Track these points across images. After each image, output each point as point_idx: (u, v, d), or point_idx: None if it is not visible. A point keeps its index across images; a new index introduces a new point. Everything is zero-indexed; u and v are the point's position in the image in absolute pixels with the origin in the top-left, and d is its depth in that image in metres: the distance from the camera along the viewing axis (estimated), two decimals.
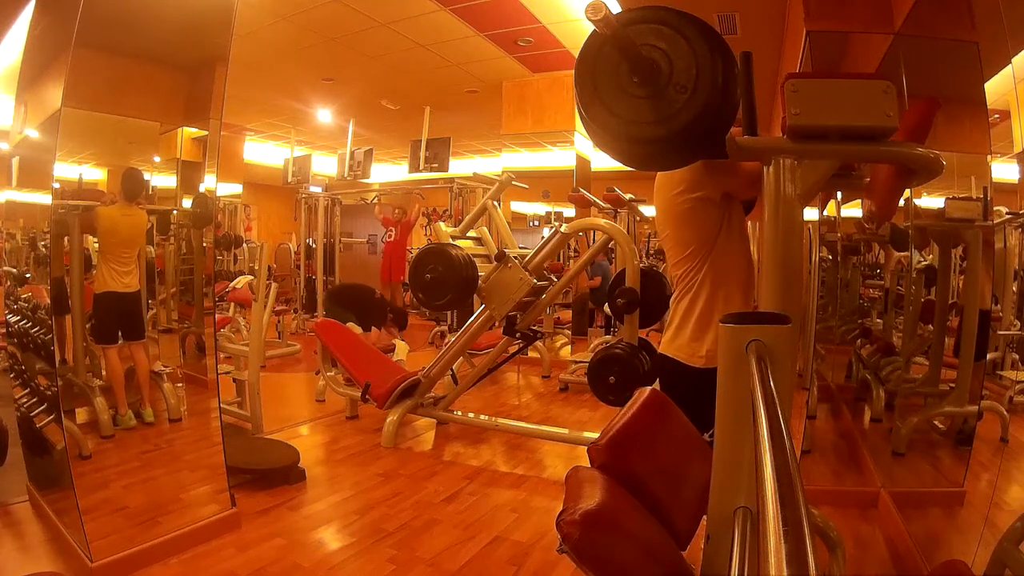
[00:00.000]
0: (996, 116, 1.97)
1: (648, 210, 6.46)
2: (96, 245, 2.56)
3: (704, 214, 1.49)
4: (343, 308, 5.38)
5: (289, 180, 7.62)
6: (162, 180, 2.57)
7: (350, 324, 4.64)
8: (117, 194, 2.50)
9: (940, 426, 2.41)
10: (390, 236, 7.60)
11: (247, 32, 4.78)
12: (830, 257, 3.85)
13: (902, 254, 2.71)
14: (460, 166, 8.27)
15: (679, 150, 1.00)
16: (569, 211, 7.68)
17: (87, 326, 2.50)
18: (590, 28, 0.97)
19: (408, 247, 8.05)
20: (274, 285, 4.78)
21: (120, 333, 2.58)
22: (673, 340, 1.62)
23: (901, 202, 2.17)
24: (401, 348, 4.65)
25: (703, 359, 1.55)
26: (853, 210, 3.31)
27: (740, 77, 1.17)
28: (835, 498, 2.53)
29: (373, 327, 5.46)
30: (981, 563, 1.54)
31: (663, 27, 0.96)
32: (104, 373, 2.50)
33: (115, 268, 2.50)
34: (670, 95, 0.94)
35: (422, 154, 6.41)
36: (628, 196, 5.35)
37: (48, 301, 2.46)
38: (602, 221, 3.84)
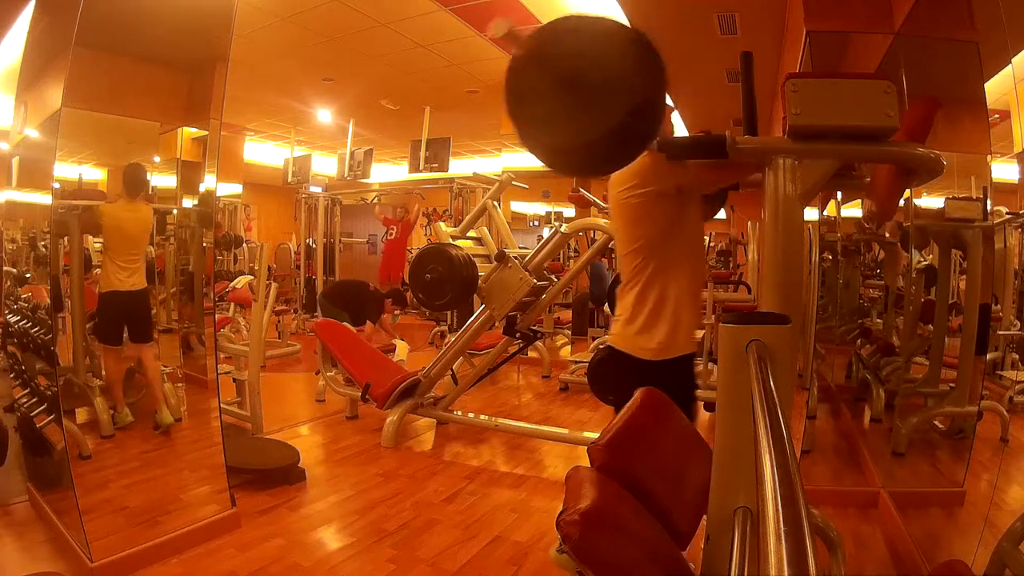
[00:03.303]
0: (996, 116, 1.97)
1: None
2: (97, 245, 2.55)
3: (656, 209, 1.49)
4: (337, 307, 5.36)
5: (289, 180, 7.62)
6: (162, 180, 2.57)
7: (345, 324, 4.64)
8: (119, 191, 2.49)
9: (940, 426, 2.41)
10: (391, 234, 7.60)
11: (247, 32, 4.78)
12: (830, 257, 3.85)
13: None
14: (460, 166, 8.26)
15: (613, 153, 0.99)
16: (569, 211, 7.68)
17: (88, 325, 2.50)
18: None
19: (408, 247, 8.06)
20: (274, 285, 4.79)
21: (126, 334, 2.56)
22: (622, 332, 1.62)
23: (901, 202, 2.17)
24: (401, 348, 4.64)
25: (652, 352, 1.55)
26: (853, 210, 3.31)
27: (741, 77, 1.17)
28: (835, 498, 2.52)
29: (368, 322, 5.44)
30: (981, 563, 1.54)
31: (579, 34, 0.96)
32: (104, 373, 2.49)
33: (120, 266, 2.48)
34: (594, 100, 0.93)
35: (422, 154, 6.41)
36: None
37: (48, 301, 2.46)
38: (602, 221, 3.83)
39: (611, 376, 1.67)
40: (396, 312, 6.03)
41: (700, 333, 4.98)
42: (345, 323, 4.47)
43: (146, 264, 2.56)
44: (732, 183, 1.95)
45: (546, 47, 0.95)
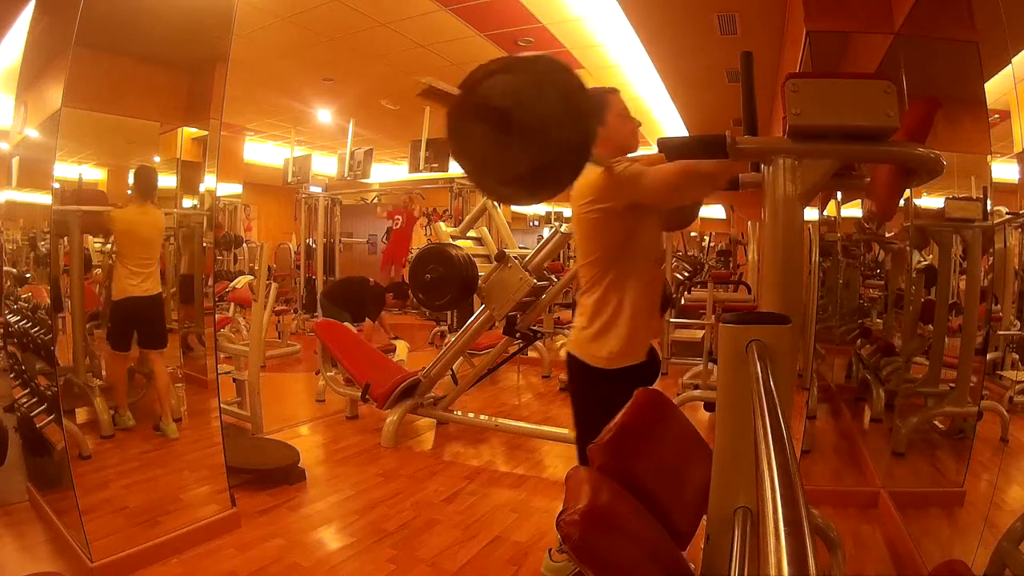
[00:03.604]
0: (996, 116, 1.97)
1: None
2: (96, 245, 2.54)
3: (611, 224, 1.53)
4: (337, 307, 5.35)
5: (289, 180, 7.62)
6: (162, 180, 2.56)
7: (345, 324, 4.63)
8: (131, 194, 2.47)
9: (940, 426, 2.41)
10: (396, 224, 7.62)
11: (247, 32, 4.78)
12: (830, 257, 3.85)
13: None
14: (460, 167, 8.24)
15: (550, 181, 1.06)
16: (569, 211, 7.68)
17: (89, 326, 2.50)
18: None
19: (410, 247, 8.06)
20: (274, 285, 4.78)
21: (136, 339, 2.54)
22: (576, 338, 1.66)
23: (901, 202, 2.17)
24: (401, 348, 4.64)
25: (603, 360, 1.58)
26: (853, 210, 3.31)
27: (741, 77, 1.17)
28: (835, 498, 2.52)
29: (367, 319, 5.42)
30: (981, 563, 1.54)
31: (505, 75, 1.03)
32: (104, 373, 2.48)
33: (133, 271, 2.46)
34: (526, 133, 1.00)
35: (422, 154, 6.41)
36: None
37: (48, 301, 2.45)
38: None
39: (568, 379, 1.71)
40: (394, 310, 5.99)
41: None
42: (346, 323, 4.47)
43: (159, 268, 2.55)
44: (686, 203, 1.98)
45: (477, 94, 1.03)
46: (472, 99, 1.02)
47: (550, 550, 1.97)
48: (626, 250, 1.56)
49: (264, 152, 9.52)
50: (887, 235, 3.03)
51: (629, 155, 1.67)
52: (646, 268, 1.61)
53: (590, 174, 1.53)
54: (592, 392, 1.64)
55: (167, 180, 2.59)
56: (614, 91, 1.67)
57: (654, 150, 1.38)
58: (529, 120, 1.00)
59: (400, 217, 7.62)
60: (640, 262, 1.59)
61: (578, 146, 1.03)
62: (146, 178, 2.49)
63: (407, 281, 3.82)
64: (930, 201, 2.35)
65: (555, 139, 0.99)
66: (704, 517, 1.05)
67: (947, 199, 2.16)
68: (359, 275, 6.08)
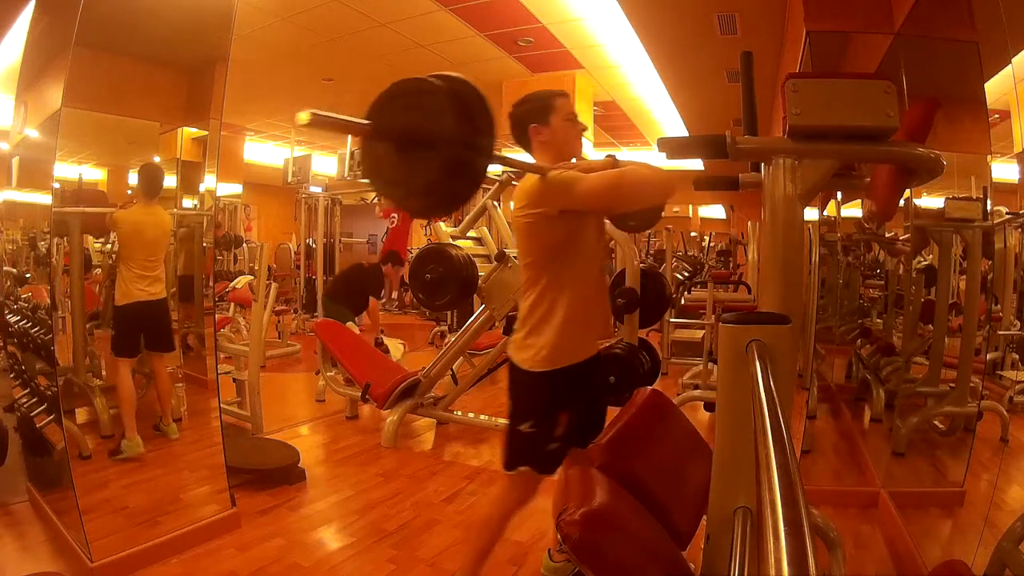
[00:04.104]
0: (996, 116, 1.97)
1: None
2: (96, 245, 2.53)
3: (544, 229, 1.53)
4: (339, 303, 5.30)
5: (289, 180, 7.62)
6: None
7: (349, 324, 4.62)
8: (134, 194, 2.41)
9: (940, 426, 2.41)
10: (393, 222, 7.61)
11: (247, 32, 4.78)
12: (830, 257, 3.85)
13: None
14: None
15: (449, 189, 1.12)
16: None
17: (89, 325, 2.49)
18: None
19: (408, 247, 8.05)
20: (274, 285, 4.78)
21: (143, 344, 2.48)
22: (512, 340, 1.67)
23: (901, 202, 2.17)
24: (394, 348, 4.59)
25: (529, 362, 1.58)
26: (853, 210, 3.31)
27: (741, 77, 1.17)
28: (835, 498, 2.52)
29: (371, 298, 5.36)
30: (981, 563, 1.54)
31: (403, 97, 1.10)
32: (108, 379, 2.42)
33: (139, 274, 2.39)
34: (421, 148, 1.07)
35: None
36: None
37: (48, 301, 2.45)
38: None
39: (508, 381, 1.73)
40: (394, 296, 5.86)
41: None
42: (350, 323, 4.46)
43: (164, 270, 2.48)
44: (632, 209, 1.99)
45: (382, 117, 1.09)
46: (376, 121, 1.09)
47: (549, 550, 1.97)
48: (561, 255, 1.56)
49: (264, 152, 9.52)
50: (887, 235, 3.03)
51: (573, 160, 1.68)
52: (585, 273, 1.60)
53: (527, 179, 1.55)
54: (518, 393, 1.65)
55: (167, 180, 2.58)
56: (562, 95, 1.67)
57: (654, 150, 1.40)
58: (422, 137, 1.07)
59: (396, 215, 7.60)
60: (578, 267, 1.58)
61: (470, 157, 1.09)
62: (152, 177, 2.43)
63: (407, 281, 3.82)
64: (930, 201, 2.35)
65: (447, 153, 1.05)
66: (704, 517, 1.05)
67: (947, 199, 2.16)
68: (352, 264, 6.00)
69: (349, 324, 4.58)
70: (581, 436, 1.67)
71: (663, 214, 2.55)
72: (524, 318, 1.62)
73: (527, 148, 1.68)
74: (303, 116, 0.92)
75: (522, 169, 1.57)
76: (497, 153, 1.19)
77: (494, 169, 6.57)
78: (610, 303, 1.79)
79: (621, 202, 1.61)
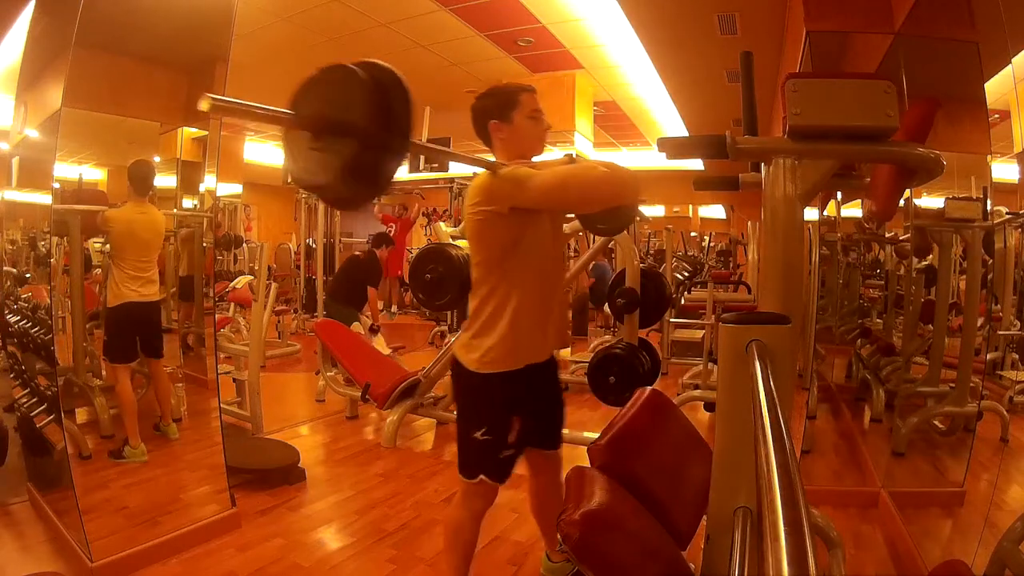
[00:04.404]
0: (996, 116, 1.97)
1: (648, 210, 6.47)
2: (96, 245, 2.52)
3: (493, 227, 1.49)
4: (340, 303, 5.26)
5: (289, 180, 7.60)
6: (162, 180, 2.56)
7: (355, 325, 4.60)
8: (126, 193, 2.35)
9: (940, 426, 2.41)
10: (390, 231, 7.60)
11: (247, 32, 4.78)
12: (830, 257, 3.85)
13: None
14: (460, 166, 8.26)
15: (361, 177, 1.05)
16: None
17: (88, 328, 2.49)
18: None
19: (408, 247, 8.05)
20: (274, 285, 4.78)
21: (138, 349, 2.43)
22: (459, 339, 1.64)
23: (901, 202, 2.17)
24: (380, 346, 4.51)
25: (474, 363, 1.55)
26: (853, 210, 3.32)
27: (741, 77, 1.17)
28: (835, 498, 2.52)
29: (370, 287, 5.31)
30: (981, 563, 1.54)
31: (320, 85, 1.04)
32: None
33: (131, 275, 2.34)
34: (331, 145, 1.02)
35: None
36: None
37: (48, 301, 2.44)
38: None
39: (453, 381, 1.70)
40: (393, 310, 5.87)
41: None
42: (355, 323, 4.43)
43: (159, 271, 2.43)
44: (578, 212, 1.96)
45: (299, 106, 1.04)
46: (295, 109, 1.05)
47: (547, 552, 1.96)
48: (512, 254, 1.52)
49: (264, 152, 9.51)
50: (887, 235, 3.03)
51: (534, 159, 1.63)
52: (537, 275, 1.56)
53: (480, 176, 1.51)
54: (463, 393, 1.63)
55: (167, 180, 2.58)
56: (527, 90, 1.61)
57: (654, 150, 1.39)
58: (335, 124, 1.02)
59: (394, 225, 7.58)
60: (530, 268, 1.54)
61: (382, 145, 1.03)
62: (141, 174, 2.38)
63: (406, 280, 3.80)
64: (930, 201, 2.35)
65: (362, 141, 1.00)
66: (704, 517, 1.05)
67: (947, 199, 2.16)
68: (347, 259, 5.92)
69: (354, 325, 4.56)
70: (538, 439, 1.67)
71: (666, 214, 2.56)
72: (472, 318, 1.59)
73: (487, 144, 1.64)
74: (203, 103, 0.89)
75: (473, 165, 1.53)
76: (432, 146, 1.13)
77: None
78: (566, 310, 1.73)
79: (571, 200, 1.56)
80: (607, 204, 1.67)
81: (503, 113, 1.58)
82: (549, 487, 1.79)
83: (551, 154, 1.84)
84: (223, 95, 2.38)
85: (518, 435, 1.58)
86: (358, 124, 0.99)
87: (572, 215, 2.33)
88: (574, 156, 1.59)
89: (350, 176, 1.00)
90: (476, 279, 1.59)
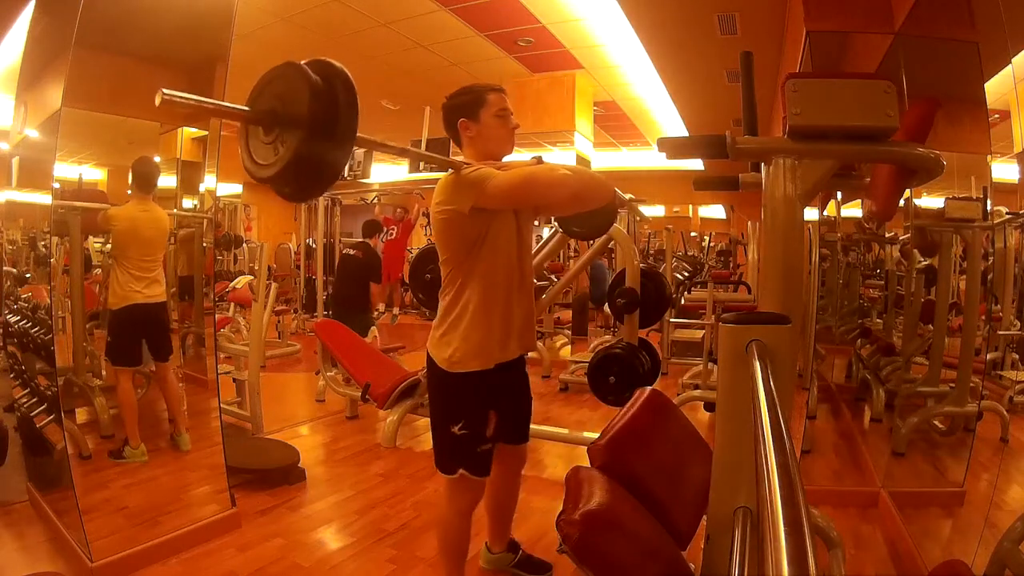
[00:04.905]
0: (996, 116, 1.97)
1: (648, 210, 6.47)
2: (96, 245, 2.52)
3: (457, 226, 1.51)
4: (346, 308, 5.19)
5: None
6: (162, 180, 2.56)
7: (372, 331, 4.56)
8: (129, 191, 2.33)
9: (940, 426, 2.41)
10: (390, 234, 7.58)
11: (247, 32, 4.77)
12: (830, 257, 3.85)
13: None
14: None
15: (308, 171, 1.08)
16: None
17: (88, 328, 2.48)
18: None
19: (408, 247, 8.05)
20: (274, 285, 4.78)
21: (143, 353, 2.41)
22: (430, 336, 1.66)
23: (901, 202, 2.17)
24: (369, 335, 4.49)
25: (445, 362, 1.57)
26: (853, 210, 3.32)
27: (741, 77, 1.17)
28: (835, 498, 2.52)
29: (372, 283, 5.27)
30: (981, 563, 1.54)
31: (273, 83, 1.07)
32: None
33: (135, 275, 2.29)
34: (280, 137, 1.05)
35: None
36: (628, 196, 5.35)
37: (48, 301, 2.44)
38: None
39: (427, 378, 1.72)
40: (395, 312, 5.84)
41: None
42: (372, 328, 4.42)
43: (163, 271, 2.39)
44: (561, 213, 1.96)
45: (254, 103, 1.08)
46: (251, 106, 1.08)
47: (487, 543, 1.98)
48: (476, 254, 1.53)
49: None
50: (888, 235, 3.03)
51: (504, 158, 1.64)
52: (502, 275, 1.56)
53: (445, 176, 1.53)
54: (438, 389, 1.64)
55: (167, 180, 2.58)
56: (496, 89, 1.63)
57: (654, 150, 1.39)
58: (282, 116, 1.04)
59: (395, 228, 7.56)
60: (497, 267, 1.55)
61: (325, 134, 1.04)
62: (144, 170, 2.35)
63: (407, 281, 3.80)
64: (930, 201, 2.35)
65: (307, 130, 1.02)
66: (704, 517, 1.05)
67: (947, 199, 2.16)
68: (341, 260, 5.83)
69: (371, 331, 4.53)
70: (507, 434, 1.69)
71: (666, 214, 2.56)
72: (441, 316, 1.61)
73: (456, 143, 1.66)
74: (156, 97, 0.90)
75: (438, 164, 1.54)
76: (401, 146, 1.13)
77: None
78: (533, 312, 1.74)
79: (531, 201, 1.58)
80: (570, 206, 1.70)
81: (471, 112, 1.59)
82: (507, 478, 1.83)
83: (549, 154, 1.84)
84: (223, 95, 2.39)
85: (493, 431, 1.60)
86: (303, 114, 1.01)
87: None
88: (542, 158, 1.60)
89: (298, 166, 1.02)
90: (444, 278, 1.61)
